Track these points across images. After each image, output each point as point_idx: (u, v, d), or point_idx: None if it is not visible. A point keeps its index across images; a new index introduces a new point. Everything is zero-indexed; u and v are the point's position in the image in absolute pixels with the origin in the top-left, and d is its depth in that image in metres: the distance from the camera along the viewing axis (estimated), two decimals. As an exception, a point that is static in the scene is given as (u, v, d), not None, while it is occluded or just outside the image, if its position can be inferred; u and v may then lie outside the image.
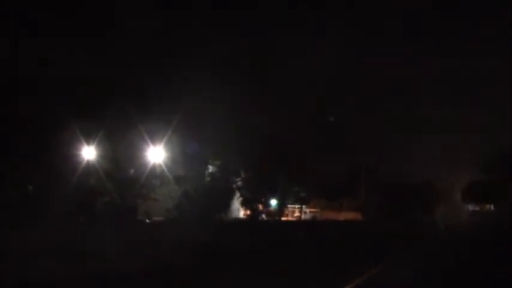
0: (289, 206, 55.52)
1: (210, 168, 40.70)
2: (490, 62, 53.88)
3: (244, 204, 45.89)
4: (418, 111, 55.47)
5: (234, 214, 45.15)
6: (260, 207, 47.08)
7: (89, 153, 29.77)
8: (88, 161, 29.76)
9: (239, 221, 44.54)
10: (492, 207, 65.97)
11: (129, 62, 30.37)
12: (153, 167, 33.55)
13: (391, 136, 57.06)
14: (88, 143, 29.35)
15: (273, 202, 49.14)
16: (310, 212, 59.12)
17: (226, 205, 41.69)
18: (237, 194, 44.19)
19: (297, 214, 57.69)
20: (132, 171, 33.50)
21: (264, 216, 46.88)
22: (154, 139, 32.50)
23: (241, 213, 47.69)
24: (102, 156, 30.41)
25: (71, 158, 28.53)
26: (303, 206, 57.20)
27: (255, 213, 46.04)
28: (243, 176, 43.93)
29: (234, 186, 43.25)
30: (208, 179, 40.40)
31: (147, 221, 34.23)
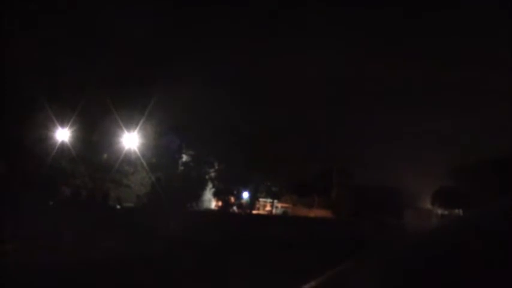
0: (261, 199, 55.95)
1: (184, 158, 40.88)
2: (474, 73, 54.88)
3: (217, 195, 46.11)
4: (397, 119, 56.38)
5: (205, 205, 45.36)
6: (232, 199, 47.34)
7: (62, 135, 29.74)
8: (62, 143, 29.73)
9: (211, 212, 44.66)
10: (461, 212, 67.30)
11: (110, 51, 30.36)
12: (127, 153, 33.66)
13: (369, 141, 57.62)
14: (62, 126, 29.33)
15: (245, 195, 49.46)
16: (281, 206, 59.55)
17: (198, 195, 41.93)
18: (210, 185, 44.39)
19: (268, 208, 58.13)
20: (105, 155, 33.54)
21: (235, 208, 47.14)
22: (129, 125, 32.60)
23: (213, 204, 47.91)
24: (76, 138, 30.40)
25: (45, 139, 28.49)
26: (275, 201, 57.69)
27: (226, 205, 46.28)
28: (216, 167, 44.10)
29: (207, 177, 43.44)
30: (182, 168, 40.58)
31: (118, 206, 34.33)
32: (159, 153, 36.13)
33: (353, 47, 56.81)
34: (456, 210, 68.18)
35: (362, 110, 58.84)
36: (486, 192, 51.15)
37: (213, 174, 44.11)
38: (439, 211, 69.71)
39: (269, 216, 53.18)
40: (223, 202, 46.63)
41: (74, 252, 16.28)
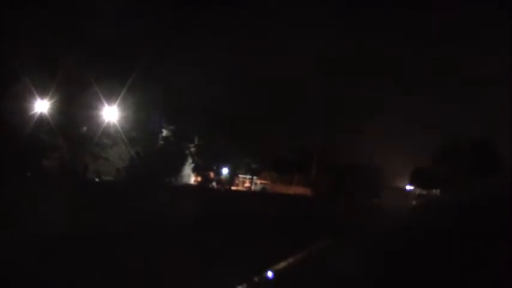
0: (240, 175, 56.05)
1: (164, 132, 40.63)
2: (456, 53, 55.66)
3: (196, 170, 46.05)
4: (380, 99, 56.75)
5: (184, 180, 45.28)
6: (211, 174, 47.33)
7: (41, 106, 29.30)
8: (41, 114, 29.30)
9: (190, 187, 44.62)
10: (438, 192, 68.21)
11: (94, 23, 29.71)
12: (107, 127, 33.36)
13: (350, 120, 57.99)
14: (42, 97, 28.87)
15: (225, 171, 49.47)
16: (260, 183, 59.72)
17: (178, 170, 41.81)
18: (189, 160, 44.26)
19: (247, 184, 58.26)
20: (85, 128, 33.19)
21: (214, 184, 47.16)
22: (110, 99, 32.21)
23: (192, 179, 47.83)
24: (55, 110, 29.97)
25: (23, 111, 28.03)
26: (254, 177, 57.82)
27: (205, 180, 46.26)
28: (196, 142, 43.94)
29: (187, 152, 43.28)
30: (162, 142, 40.36)
31: (97, 180, 34.12)
32: (139, 127, 35.83)
33: (353, 46, 56.89)
34: (434, 191, 69.29)
35: (345, 90, 59.06)
36: (464, 173, 52.22)
37: (193, 150, 43.96)
38: (417, 191, 70.74)
39: (248, 193, 53.35)
40: (202, 177, 46.62)
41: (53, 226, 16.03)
